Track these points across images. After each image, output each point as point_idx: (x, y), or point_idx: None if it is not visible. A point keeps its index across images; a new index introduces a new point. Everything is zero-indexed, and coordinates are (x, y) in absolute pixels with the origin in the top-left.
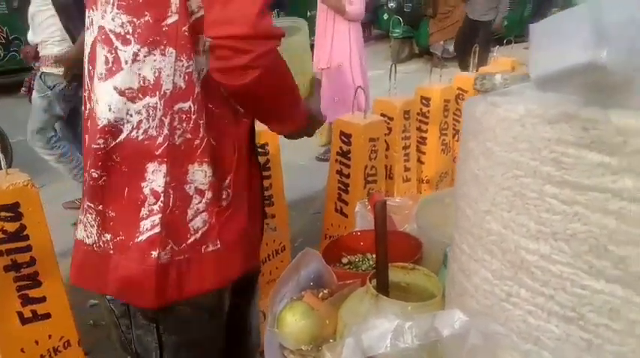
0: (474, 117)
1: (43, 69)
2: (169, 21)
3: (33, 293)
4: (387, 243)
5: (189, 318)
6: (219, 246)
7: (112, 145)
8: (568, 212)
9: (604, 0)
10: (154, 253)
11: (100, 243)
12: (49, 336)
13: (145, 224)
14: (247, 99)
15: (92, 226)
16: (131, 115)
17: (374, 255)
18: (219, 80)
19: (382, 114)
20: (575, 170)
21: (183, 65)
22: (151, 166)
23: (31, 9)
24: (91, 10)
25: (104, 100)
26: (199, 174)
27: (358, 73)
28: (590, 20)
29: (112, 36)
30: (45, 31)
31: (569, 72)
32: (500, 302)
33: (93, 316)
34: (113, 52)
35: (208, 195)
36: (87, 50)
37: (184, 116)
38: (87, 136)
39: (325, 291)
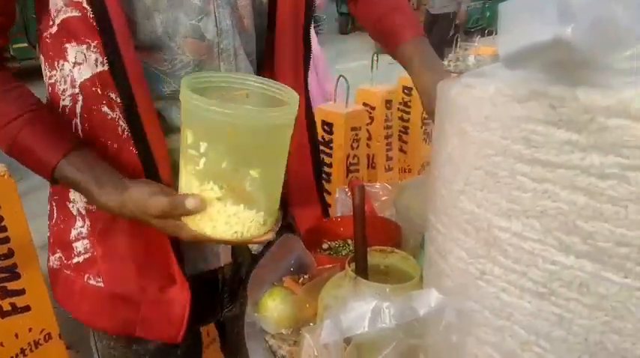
0: (448, 99)
1: None
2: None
3: (12, 285)
4: (365, 227)
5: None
6: (102, 284)
7: None
8: (538, 189)
9: None
10: (50, 257)
11: None
12: (30, 329)
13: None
14: None
15: None
16: None
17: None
18: None
19: (364, 104)
20: (545, 148)
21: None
22: None
23: None
24: None
25: None
26: (77, 196)
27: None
28: None
29: None
30: None
31: (536, 49)
32: (475, 280)
33: None
34: None
35: (89, 221)
36: None
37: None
38: None
39: (306, 276)
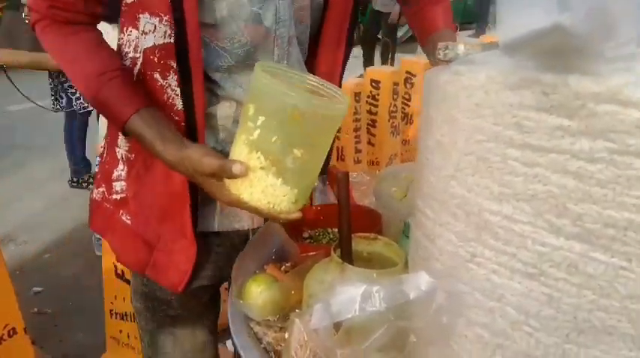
0: (437, 87)
1: None
2: None
3: None
4: (350, 214)
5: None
6: (130, 222)
7: None
8: (529, 173)
9: None
10: (95, 189)
11: None
12: None
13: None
14: None
15: None
16: None
17: (334, 229)
18: None
19: None
20: (536, 133)
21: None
22: None
23: None
24: None
25: None
26: (122, 142)
27: None
28: None
29: None
30: None
31: (535, 36)
32: (465, 263)
33: (37, 304)
34: None
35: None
36: None
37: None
38: None
39: (288, 265)
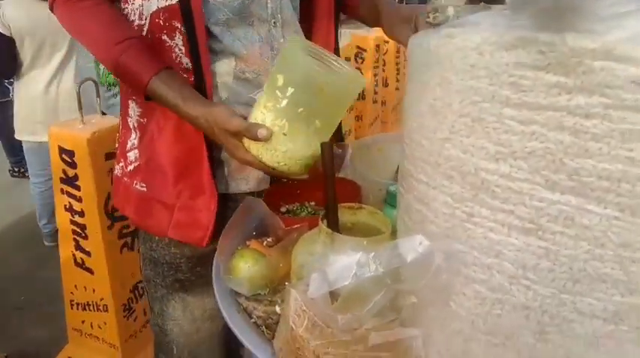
0: (427, 51)
1: None
2: None
3: None
4: (335, 183)
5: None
6: (145, 189)
7: None
8: (526, 131)
9: None
10: (116, 166)
11: None
12: None
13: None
14: None
15: None
16: None
17: (312, 203)
18: None
19: None
20: (533, 91)
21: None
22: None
23: None
24: None
25: None
26: (133, 111)
27: None
28: None
29: None
30: None
31: None
32: (462, 223)
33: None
34: None
35: (139, 133)
36: None
37: None
38: None
39: (269, 239)
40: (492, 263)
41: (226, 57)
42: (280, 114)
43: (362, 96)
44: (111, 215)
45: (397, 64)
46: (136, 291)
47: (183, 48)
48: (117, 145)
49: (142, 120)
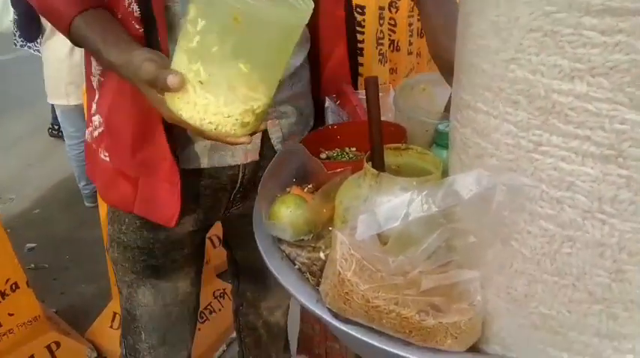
0: None
1: None
2: None
3: None
4: (380, 121)
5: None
6: (108, 159)
7: None
8: (609, 43)
9: None
10: (86, 131)
11: None
12: None
13: None
14: None
15: None
16: None
17: (352, 148)
18: None
19: None
20: None
21: None
22: None
23: None
24: None
25: None
26: (94, 68)
27: None
28: None
29: None
30: None
31: None
32: (528, 154)
33: (33, 259)
34: None
35: (100, 94)
36: None
37: None
38: None
39: (310, 186)
40: (563, 196)
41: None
42: (193, 56)
43: (396, 47)
44: None
45: None
46: None
47: None
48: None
49: (102, 78)
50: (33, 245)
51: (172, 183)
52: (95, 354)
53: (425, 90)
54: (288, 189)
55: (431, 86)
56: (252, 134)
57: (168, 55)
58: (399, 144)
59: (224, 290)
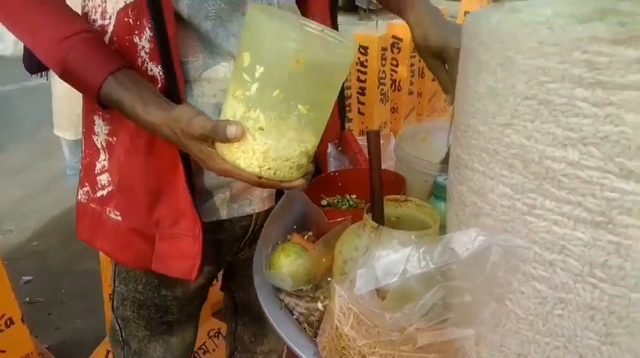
0: (487, 29)
1: None
2: None
3: None
4: (381, 173)
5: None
6: (120, 218)
7: None
8: (599, 114)
9: None
10: (79, 191)
11: None
12: None
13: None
14: None
15: None
16: None
17: (352, 196)
18: None
19: None
20: (610, 69)
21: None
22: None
23: None
24: None
25: None
26: (100, 128)
27: None
28: None
29: None
30: None
31: None
32: (522, 216)
33: (28, 293)
34: None
35: (109, 154)
36: None
37: None
38: None
39: (310, 233)
40: (555, 259)
41: (223, 59)
42: (252, 104)
43: (398, 87)
44: None
45: None
46: None
47: (148, 47)
48: (79, 166)
49: (110, 139)
50: (29, 278)
51: (194, 237)
52: None
53: (425, 140)
54: (288, 236)
55: (431, 135)
56: (304, 176)
57: None
58: (399, 196)
59: (218, 329)
